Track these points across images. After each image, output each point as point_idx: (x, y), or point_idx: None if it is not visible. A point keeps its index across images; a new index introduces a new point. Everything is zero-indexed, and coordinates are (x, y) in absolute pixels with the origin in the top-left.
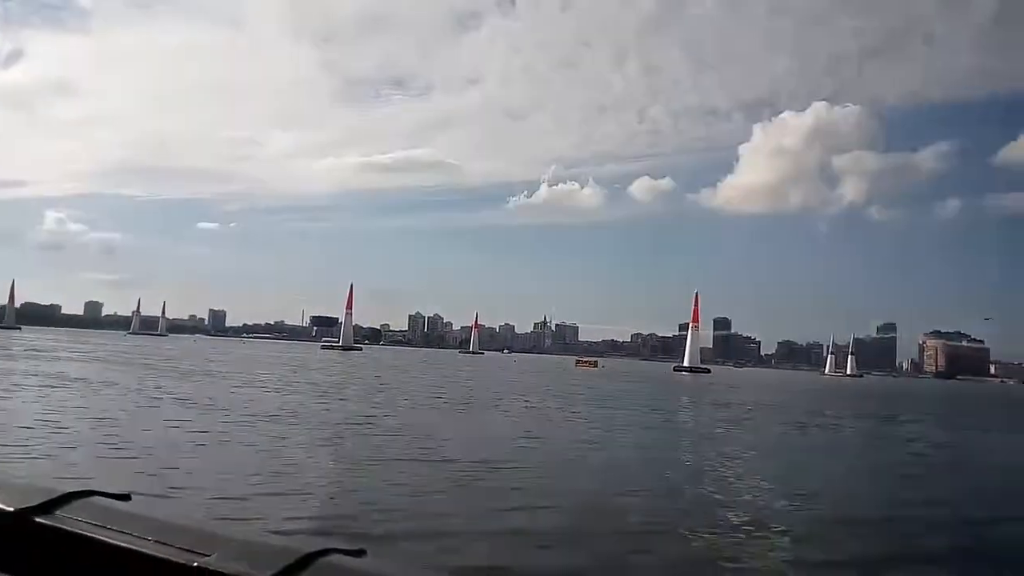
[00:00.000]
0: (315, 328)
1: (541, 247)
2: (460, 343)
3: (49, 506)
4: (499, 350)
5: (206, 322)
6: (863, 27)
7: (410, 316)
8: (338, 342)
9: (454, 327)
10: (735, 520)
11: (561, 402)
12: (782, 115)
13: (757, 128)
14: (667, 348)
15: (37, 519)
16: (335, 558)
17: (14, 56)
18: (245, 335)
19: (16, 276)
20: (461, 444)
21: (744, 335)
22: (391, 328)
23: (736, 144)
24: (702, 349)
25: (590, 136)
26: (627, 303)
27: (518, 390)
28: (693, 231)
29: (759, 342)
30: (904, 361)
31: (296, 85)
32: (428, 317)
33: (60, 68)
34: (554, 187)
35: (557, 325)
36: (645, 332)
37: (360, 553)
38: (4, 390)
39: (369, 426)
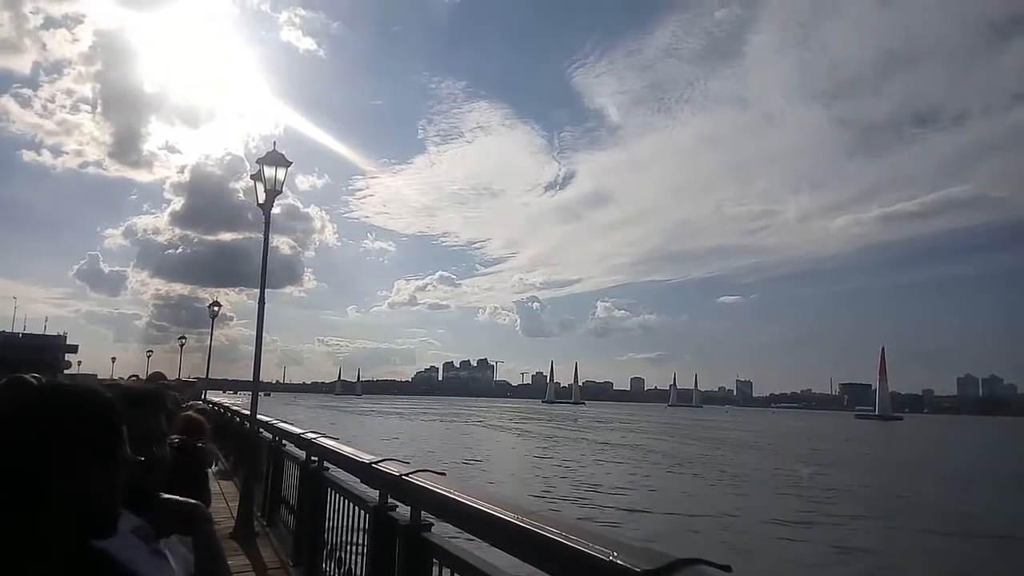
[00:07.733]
0: (845, 396)
1: None
2: None
3: (665, 571)
4: None
5: (734, 393)
6: None
7: (958, 379)
8: (873, 411)
9: (1018, 390)
10: None
11: None
12: None
13: None
14: None
15: None
16: None
17: (568, 177)
18: (773, 405)
19: (576, 359)
20: None
21: None
22: (935, 394)
23: None
24: None
25: None
26: None
27: None
28: None
29: None
30: None
31: (807, 149)
32: (983, 379)
33: (599, 180)
34: None
35: None
36: None
37: None
38: (621, 462)
39: None
